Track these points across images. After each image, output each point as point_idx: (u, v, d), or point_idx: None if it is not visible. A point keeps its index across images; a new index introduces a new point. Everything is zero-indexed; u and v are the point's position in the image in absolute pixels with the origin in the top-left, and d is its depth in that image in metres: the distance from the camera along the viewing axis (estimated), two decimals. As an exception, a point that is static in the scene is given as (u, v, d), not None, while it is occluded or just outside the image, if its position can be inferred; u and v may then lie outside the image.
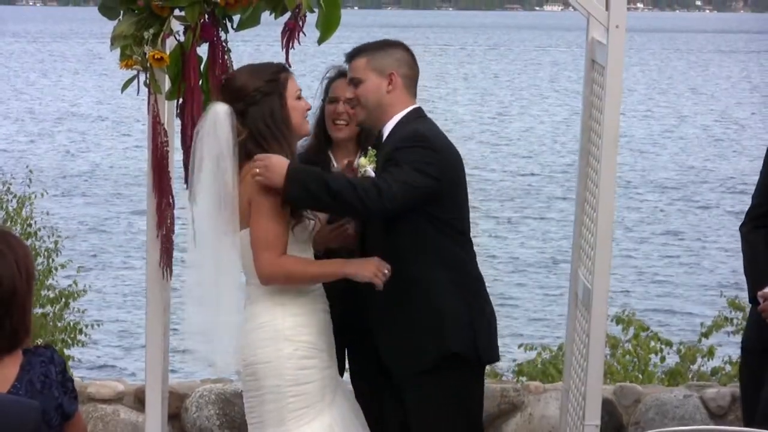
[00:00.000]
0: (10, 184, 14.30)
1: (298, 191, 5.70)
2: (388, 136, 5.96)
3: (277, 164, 5.69)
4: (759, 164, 6.90)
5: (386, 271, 5.81)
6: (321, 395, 5.88)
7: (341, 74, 6.56)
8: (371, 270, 5.81)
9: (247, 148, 5.76)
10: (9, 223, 13.35)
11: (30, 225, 13.87)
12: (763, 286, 6.58)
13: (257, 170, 5.71)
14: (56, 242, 13.91)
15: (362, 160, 5.97)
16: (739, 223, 6.88)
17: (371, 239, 6.03)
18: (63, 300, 13.22)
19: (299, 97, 5.89)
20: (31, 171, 16.63)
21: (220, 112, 5.71)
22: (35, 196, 14.22)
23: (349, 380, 6.49)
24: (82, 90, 59.18)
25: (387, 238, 5.92)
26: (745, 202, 7.06)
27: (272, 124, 5.78)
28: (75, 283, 13.64)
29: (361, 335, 6.23)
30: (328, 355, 5.94)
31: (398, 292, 5.87)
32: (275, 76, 5.81)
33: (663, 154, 40.55)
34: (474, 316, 6.00)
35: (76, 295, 13.42)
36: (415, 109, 6.03)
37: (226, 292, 5.83)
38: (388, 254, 5.84)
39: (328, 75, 6.68)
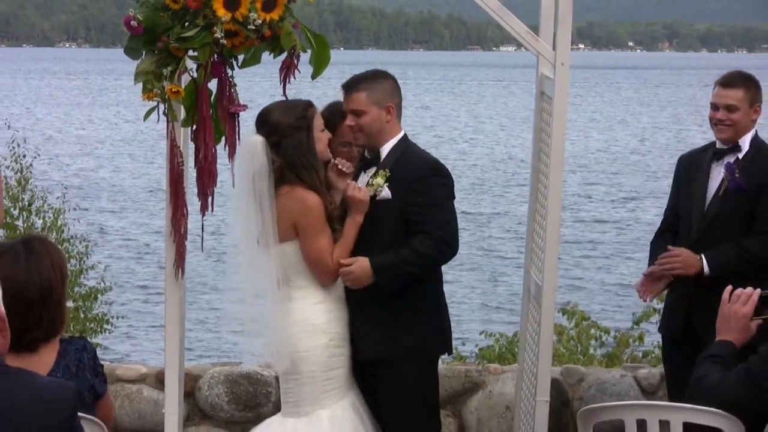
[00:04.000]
0: (46, 198, 14.27)
1: (391, 281, 5.84)
2: (387, 156, 5.97)
3: (362, 272, 5.82)
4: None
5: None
6: (345, 380, 5.95)
7: (337, 112, 6.31)
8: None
9: (281, 173, 5.83)
10: (45, 230, 13.34)
11: (63, 232, 13.84)
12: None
13: (348, 283, 5.87)
14: (86, 246, 13.90)
15: (378, 180, 5.93)
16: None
17: (377, 247, 5.97)
18: (93, 295, 13.25)
19: (322, 129, 5.93)
20: (65, 188, 16.58)
21: (257, 143, 5.81)
22: (68, 210, 14.22)
23: None
24: (103, 119, 59.13)
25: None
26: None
27: (301, 155, 5.83)
28: (103, 280, 13.68)
29: None
30: (349, 343, 5.97)
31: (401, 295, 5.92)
32: (304, 113, 5.87)
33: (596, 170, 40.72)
34: (444, 318, 6.07)
35: (103, 291, 13.44)
36: (404, 136, 6.05)
37: (269, 295, 5.91)
38: None
39: (329, 110, 6.37)
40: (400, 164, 5.92)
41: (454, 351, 10.80)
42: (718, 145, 6.60)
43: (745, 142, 6.53)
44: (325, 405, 5.89)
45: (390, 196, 5.89)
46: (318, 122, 5.90)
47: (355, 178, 6.10)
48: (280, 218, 5.83)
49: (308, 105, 5.91)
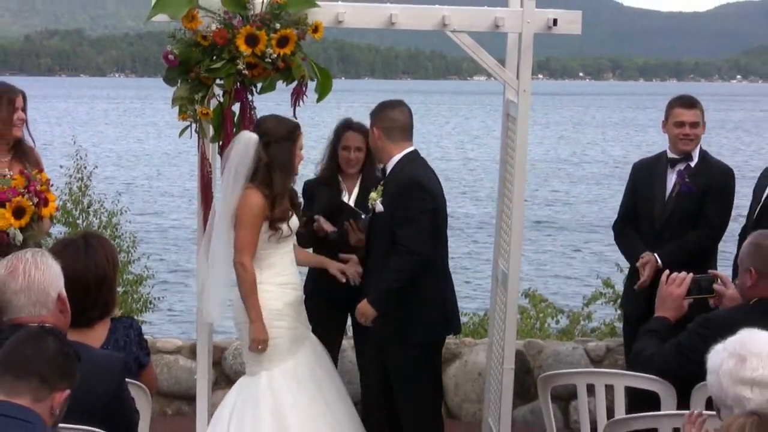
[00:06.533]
0: (102, 202, 14.31)
1: (385, 305, 5.80)
2: (390, 172, 5.90)
3: (366, 310, 5.82)
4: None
5: None
6: (287, 347, 5.82)
7: (348, 126, 6.52)
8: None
9: (256, 170, 5.68)
10: (101, 228, 13.39)
11: (116, 229, 13.91)
12: (639, 256, 6.59)
13: (362, 321, 5.87)
14: (134, 241, 13.94)
15: (373, 195, 5.91)
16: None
17: (377, 254, 5.92)
18: (138, 282, 13.31)
19: (301, 149, 5.83)
20: (120, 194, 16.62)
21: (251, 138, 5.65)
22: (120, 212, 14.29)
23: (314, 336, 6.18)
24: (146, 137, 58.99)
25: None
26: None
27: (283, 159, 5.71)
28: (147, 267, 13.78)
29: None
30: (293, 319, 5.84)
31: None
32: (293, 130, 5.73)
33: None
34: (445, 306, 6.01)
35: (147, 278, 13.52)
36: (410, 152, 5.92)
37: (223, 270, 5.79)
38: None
39: (339, 125, 6.61)
40: (393, 179, 5.85)
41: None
42: (670, 154, 6.63)
43: (695, 152, 6.60)
44: (266, 368, 5.81)
45: (382, 209, 5.85)
46: (300, 143, 5.79)
47: (366, 192, 6.10)
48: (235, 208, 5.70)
49: (297, 127, 5.78)
